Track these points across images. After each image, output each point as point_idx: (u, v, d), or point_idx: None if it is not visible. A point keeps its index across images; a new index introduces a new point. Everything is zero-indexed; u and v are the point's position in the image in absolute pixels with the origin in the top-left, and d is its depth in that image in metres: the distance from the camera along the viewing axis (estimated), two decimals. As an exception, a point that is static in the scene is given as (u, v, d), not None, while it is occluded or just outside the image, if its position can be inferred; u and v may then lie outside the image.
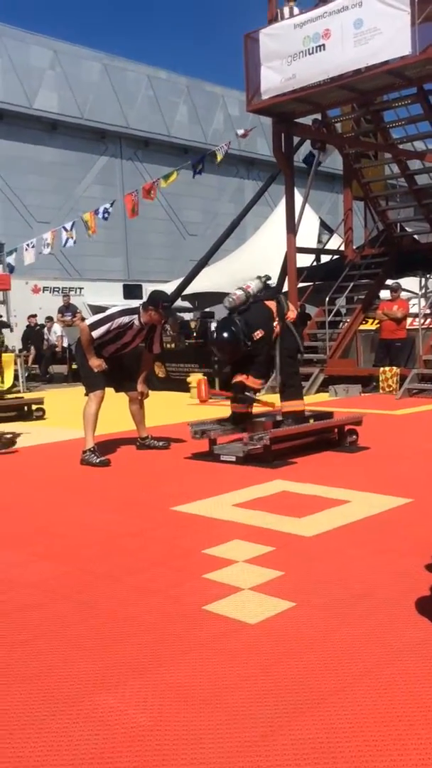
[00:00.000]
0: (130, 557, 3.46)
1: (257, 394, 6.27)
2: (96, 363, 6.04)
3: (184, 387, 11.84)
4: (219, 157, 12.40)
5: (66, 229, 14.67)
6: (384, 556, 3.35)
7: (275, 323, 6.08)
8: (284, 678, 2.22)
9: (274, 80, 10.82)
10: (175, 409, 9.64)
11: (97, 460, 5.82)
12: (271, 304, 6.17)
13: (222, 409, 8.12)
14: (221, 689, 2.17)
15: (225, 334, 5.97)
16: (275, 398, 6.47)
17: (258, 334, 5.97)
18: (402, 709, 2.02)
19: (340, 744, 1.87)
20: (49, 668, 2.35)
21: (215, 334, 6.13)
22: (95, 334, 6.02)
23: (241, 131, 12.70)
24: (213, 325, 6.29)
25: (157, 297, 6.38)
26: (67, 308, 17.58)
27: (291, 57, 10.53)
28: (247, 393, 6.12)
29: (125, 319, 6.14)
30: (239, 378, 6.15)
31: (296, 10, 10.82)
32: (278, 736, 1.91)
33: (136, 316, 6.16)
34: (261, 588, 2.97)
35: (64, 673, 2.30)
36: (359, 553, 3.41)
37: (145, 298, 10.57)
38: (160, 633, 2.58)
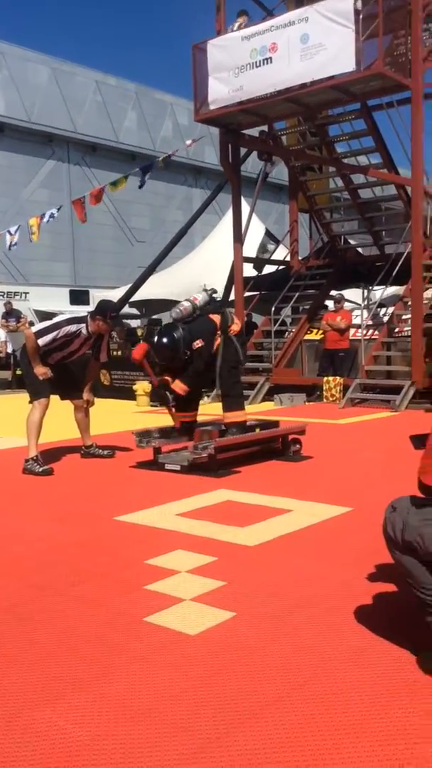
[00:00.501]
0: (71, 568, 3.43)
1: (181, 402, 6.33)
2: (41, 371, 5.97)
3: (129, 395, 11.78)
4: (161, 163, 12.46)
5: (10, 233, 14.48)
6: (325, 564, 3.41)
7: (217, 336, 6.16)
8: (223, 689, 2.23)
9: (221, 91, 10.91)
10: (120, 417, 9.58)
11: (40, 469, 5.74)
12: (216, 318, 6.28)
13: (166, 417, 8.10)
14: (160, 701, 2.17)
15: (165, 340, 6.05)
16: (219, 408, 6.49)
17: (197, 343, 6.08)
18: (338, 719, 2.05)
19: (277, 754, 1.89)
20: (-15, 684, 2.31)
21: (156, 338, 6.19)
22: (41, 341, 5.95)
23: (189, 141, 12.73)
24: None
25: (105, 307, 6.36)
26: (10, 314, 17.29)
27: (238, 69, 10.63)
28: (168, 393, 6.25)
29: (72, 327, 6.09)
30: (166, 377, 6.25)
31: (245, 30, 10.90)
32: (215, 747, 1.93)
33: (83, 325, 6.12)
34: (202, 598, 2.98)
35: (1, 688, 2.27)
36: (300, 562, 3.46)
37: (92, 305, 10.44)
38: (101, 645, 2.56)
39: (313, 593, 3.03)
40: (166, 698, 2.19)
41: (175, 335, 6.03)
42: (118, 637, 2.63)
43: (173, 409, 6.38)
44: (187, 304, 6.25)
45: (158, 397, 6.21)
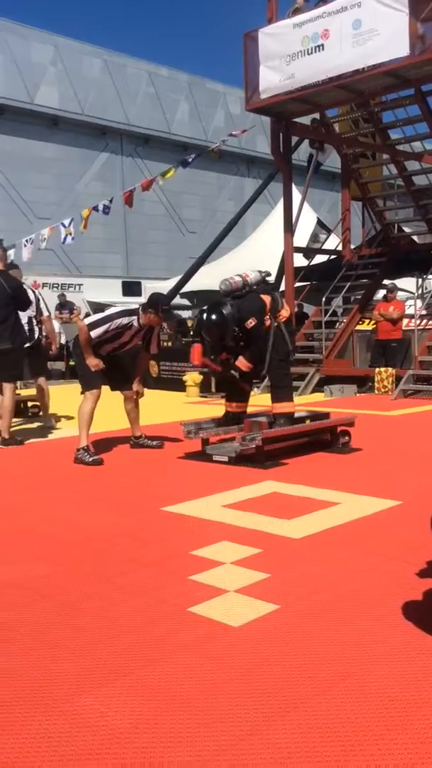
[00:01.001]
0: (118, 557, 3.48)
1: (248, 385, 6.27)
2: (93, 362, 6.05)
3: (178, 386, 11.85)
4: (214, 155, 12.38)
5: (64, 226, 14.68)
6: (371, 558, 3.37)
7: (266, 317, 6.06)
8: (265, 681, 2.24)
9: (272, 80, 10.83)
10: (170, 408, 9.66)
11: (90, 459, 5.83)
12: (266, 298, 6.13)
13: (216, 408, 8.13)
14: (202, 692, 2.18)
15: (213, 317, 5.92)
16: (267, 399, 6.47)
17: (251, 322, 5.94)
18: (379, 714, 2.03)
19: (317, 747, 1.88)
20: (31, 668, 2.36)
21: (204, 315, 6.05)
22: (93, 334, 6.02)
23: (237, 131, 12.67)
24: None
25: (157, 300, 6.38)
26: (64, 305, 17.57)
27: (290, 57, 10.53)
28: (232, 371, 6.16)
29: (124, 320, 6.14)
30: (224, 357, 6.13)
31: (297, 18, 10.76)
32: (255, 739, 1.93)
33: (135, 317, 6.17)
34: (246, 590, 2.98)
35: (46, 674, 2.32)
36: (347, 555, 3.43)
37: (143, 296, 10.51)
38: (144, 635, 2.60)
39: (359, 587, 3.00)
40: (207, 689, 2.20)
41: (224, 311, 5.90)
42: (162, 627, 2.66)
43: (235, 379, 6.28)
44: (237, 278, 6.10)
45: (224, 382, 6.13)
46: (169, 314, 6.36)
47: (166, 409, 9.39)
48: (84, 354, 6.06)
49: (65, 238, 14.73)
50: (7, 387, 6.86)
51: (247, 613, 2.75)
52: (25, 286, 7.41)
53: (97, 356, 6.09)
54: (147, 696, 2.17)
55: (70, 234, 14.63)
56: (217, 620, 2.70)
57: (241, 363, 6.09)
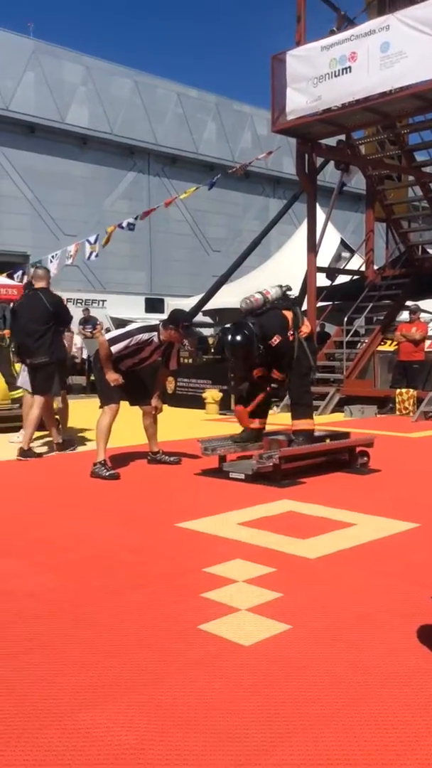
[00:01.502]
0: (130, 572, 3.47)
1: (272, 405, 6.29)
2: (113, 377, 6.08)
3: (196, 403, 11.83)
4: (238, 171, 12.45)
5: (90, 242, 14.85)
6: (386, 580, 3.33)
7: (290, 333, 6.02)
8: (274, 702, 2.20)
9: (299, 101, 10.90)
10: (188, 424, 9.65)
11: (107, 473, 5.84)
12: (288, 314, 6.10)
13: (234, 426, 8.10)
14: (210, 711, 2.16)
15: (238, 337, 5.89)
16: (287, 417, 6.45)
17: (276, 339, 5.91)
18: (389, 739, 1.99)
19: (323, 772, 1.85)
20: (40, 680, 2.35)
21: (229, 337, 6.04)
22: (114, 349, 6.05)
23: (263, 154, 12.76)
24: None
25: (177, 316, 6.41)
26: (87, 321, 17.72)
27: (317, 79, 10.60)
28: (273, 385, 6.22)
29: (144, 335, 6.17)
30: (260, 372, 6.13)
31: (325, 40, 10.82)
32: (262, 760, 1.90)
33: (155, 333, 6.19)
34: (258, 609, 2.95)
35: (54, 687, 2.31)
36: (361, 577, 3.39)
37: (166, 313, 10.61)
38: (154, 650, 2.58)
39: (373, 610, 2.96)
40: (216, 707, 2.18)
41: (247, 332, 5.86)
42: (172, 644, 2.64)
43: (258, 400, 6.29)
44: (258, 296, 6.08)
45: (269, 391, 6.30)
46: (190, 331, 6.39)
47: (184, 425, 9.39)
48: (104, 368, 6.09)
49: (90, 255, 14.89)
50: (38, 400, 6.97)
51: (258, 633, 2.72)
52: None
53: (117, 371, 6.12)
54: (154, 712, 2.15)
55: (95, 251, 14.79)
56: (228, 638, 2.67)
57: (276, 375, 6.13)
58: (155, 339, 6.20)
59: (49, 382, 7.06)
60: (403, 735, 2.01)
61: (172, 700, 2.22)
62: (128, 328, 6.41)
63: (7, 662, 2.49)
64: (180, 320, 6.30)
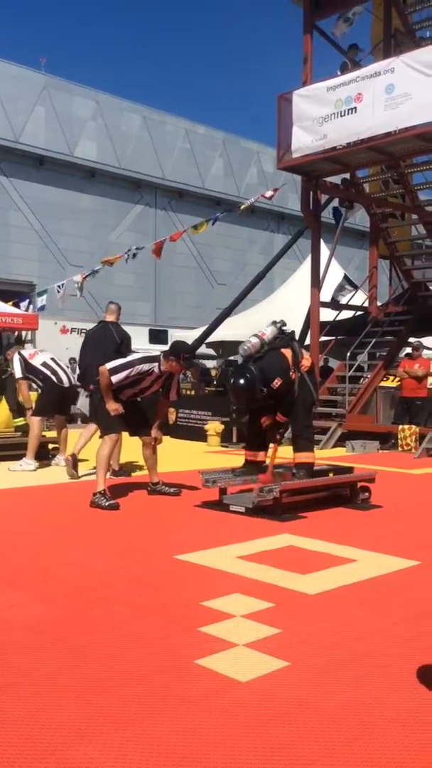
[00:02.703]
0: (128, 604, 3.44)
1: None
2: (113, 407, 6.09)
3: (196, 435, 11.81)
4: (240, 211, 12.56)
5: (95, 272, 14.97)
6: (386, 619, 3.29)
7: (291, 372, 6.05)
8: (269, 740, 2.17)
9: (305, 140, 11.09)
10: (189, 456, 9.63)
11: (107, 504, 5.82)
12: (287, 353, 6.10)
13: (236, 458, 8.09)
14: (203, 747, 2.12)
15: (241, 381, 5.91)
16: (290, 451, 6.43)
17: (277, 382, 5.92)
18: (387, 781, 1.96)
19: None
20: (33, 714, 2.32)
21: (232, 381, 6.11)
22: (114, 379, 6.06)
23: (269, 192, 12.93)
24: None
25: (179, 347, 6.43)
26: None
27: (323, 118, 10.80)
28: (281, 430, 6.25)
29: (145, 366, 6.19)
30: (270, 420, 6.17)
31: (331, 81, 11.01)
32: (256, 800, 1.87)
33: (156, 364, 6.22)
34: (256, 645, 2.92)
35: (48, 720, 2.27)
36: (360, 614, 3.35)
37: (169, 344, 10.84)
38: (149, 685, 2.54)
39: (371, 648, 2.92)
40: (210, 744, 2.14)
41: (249, 376, 5.89)
42: (167, 678, 2.60)
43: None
44: (255, 340, 6.06)
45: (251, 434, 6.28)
46: (191, 362, 6.41)
47: (185, 457, 9.36)
48: (104, 398, 6.10)
49: (79, 288, 15.03)
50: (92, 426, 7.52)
51: (255, 669, 2.69)
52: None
53: (117, 401, 6.13)
54: (148, 749, 2.11)
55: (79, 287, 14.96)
56: (225, 674, 2.64)
57: (280, 418, 6.16)
58: (156, 369, 6.22)
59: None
60: (401, 777, 1.98)
61: (167, 736, 2.19)
62: (129, 358, 6.42)
63: (3, 693, 2.46)
64: (181, 351, 6.32)
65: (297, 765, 2.03)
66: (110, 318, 8.01)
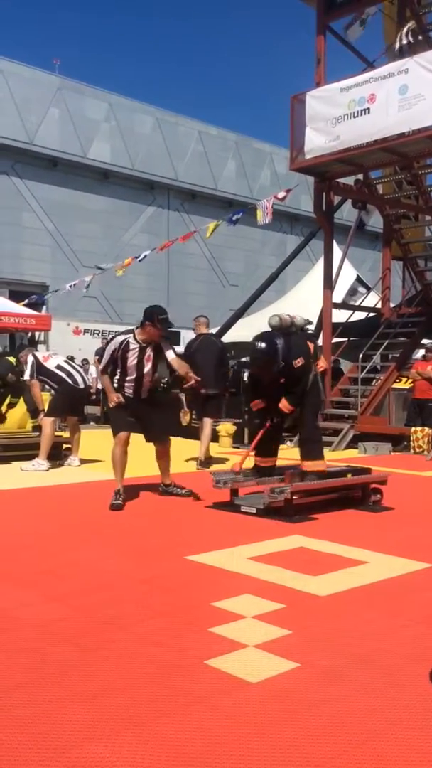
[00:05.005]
0: (137, 605, 3.44)
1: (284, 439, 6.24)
2: (112, 397, 6.07)
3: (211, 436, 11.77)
4: (259, 216, 12.49)
5: (101, 268, 15.02)
6: (397, 621, 3.28)
7: (311, 362, 6.01)
8: (278, 742, 2.17)
9: (318, 141, 11.08)
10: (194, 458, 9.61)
11: (111, 502, 5.82)
12: (311, 344, 6.10)
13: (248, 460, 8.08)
14: (212, 748, 2.12)
15: (263, 344, 5.79)
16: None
17: (299, 361, 5.84)
18: (396, 784, 1.95)
19: None
20: (43, 713, 2.33)
21: (255, 341, 5.90)
22: (103, 363, 6.18)
23: (281, 194, 12.88)
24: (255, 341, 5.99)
25: (151, 310, 6.17)
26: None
27: (336, 119, 10.79)
28: (274, 419, 6.06)
29: (120, 338, 6.13)
30: (257, 402, 6.07)
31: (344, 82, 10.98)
32: (265, 801, 1.86)
33: (130, 335, 6.11)
34: (266, 646, 2.92)
35: (57, 720, 2.28)
36: (371, 616, 3.34)
37: (181, 345, 10.90)
38: (159, 685, 2.55)
39: (382, 650, 2.91)
40: (218, 745, 2.14)
41: (276, 341, 5.76)
42: (177, 678, 2.61)
43: (260, 437, 6.18)
44: (287, 317, 6.07)
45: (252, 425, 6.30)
46: (168, 324, 6.13)
47: (189, 459, 9.34)
48: (107, 393, 6.12)
49: (88, 286, 15.06)
50: (207, 421, 8.82)
51: (265, 670, 2.69)
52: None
53: (126, 399, 6.11)
54: (158, 749, 2.11)
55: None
56: (234, 675, 2.64)
57: (284, 405, 5.94)
58: (131, 340, 6.07)
59: (218, 407, 9.28)
60: (411, 780, 1.97)
61: (176, 736, 2.19)
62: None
63: (13, 693, 2.48)
64: (155, 314, 6.07)
65: (306, 767, 2.03)
66: (204, 330, 9.27)
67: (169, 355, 6.28)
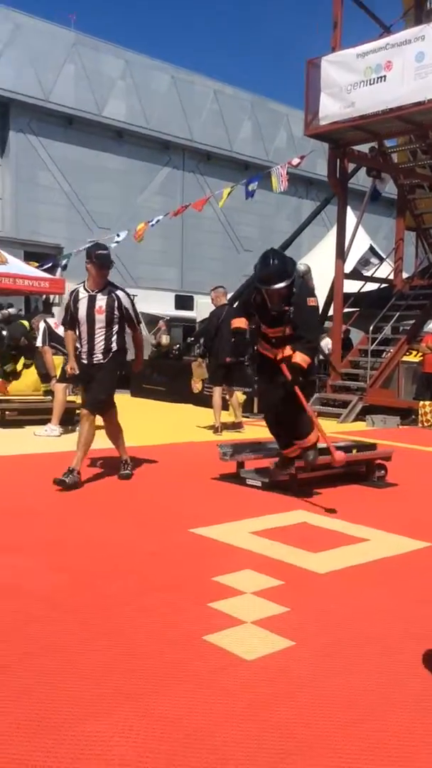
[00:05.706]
0: (140, 578, 3.51)
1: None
2: (71, 363, 5.93)
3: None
4: (275, 184, 12.32)
5: (118, 235, 14.91)
6: (396, 600, 3.34)
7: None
8: (272, 720, 2.23)
9: (332, 107, 10.89)
10: (210, 426, 9.68)
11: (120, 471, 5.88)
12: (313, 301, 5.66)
13: (257, 430, 8.14)
14: (208, 725, 2.19)
15: (276, 261, 5.23)
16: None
17: (312, 301, 5.46)
18: (390, 762, 2.02)
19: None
20: (41, 685, 2.39)
21: (263, 259, 5.32)
22: (62, 322, 6.09)
23: (296, 160, 12.68)
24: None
25: (89, 249, 5.76)
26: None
27: (351, 86, 10.59)
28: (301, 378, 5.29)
29: (72, 290, 5.81)
30: (286, 353, 5.27)
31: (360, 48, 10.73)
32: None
33: (81, 284, 5.75)
34: (264, 623, 2.99)
35: (55, 693, 2.35)
36: (370, 594, 3.40)
37: (195, 310, 11.11)
38: (157, 660, 2.62)
39: (379, 629, 2.97)
40: (213, 722, 2.21)
41: (288, 263, 5.23)
42: (175, 654, 2.68)
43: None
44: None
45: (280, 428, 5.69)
46: (105, 258, 5.64)
47: (207, 427, 9.41)
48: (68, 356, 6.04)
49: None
50: (217, 390, 9.10)
51: (261, 647, 2.75)
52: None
53: (80, 365, 5.82)
54: (153, 724, 2.18)
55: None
56: (231, 651, 2.71)
57: (302, 359, 5.20)
58: (81, 289, 5.70)
59: (243, 377, 9.98)
60: (406, 759, 2.03)
61: (173, 712, 2.25)
62: None
63: (13, 664, 2.54)
64: (92, 251, 5.63)
65: (300, 745, 2.09)
66: (224, 300, 9.49)
67: (133, 329, 5.82)
